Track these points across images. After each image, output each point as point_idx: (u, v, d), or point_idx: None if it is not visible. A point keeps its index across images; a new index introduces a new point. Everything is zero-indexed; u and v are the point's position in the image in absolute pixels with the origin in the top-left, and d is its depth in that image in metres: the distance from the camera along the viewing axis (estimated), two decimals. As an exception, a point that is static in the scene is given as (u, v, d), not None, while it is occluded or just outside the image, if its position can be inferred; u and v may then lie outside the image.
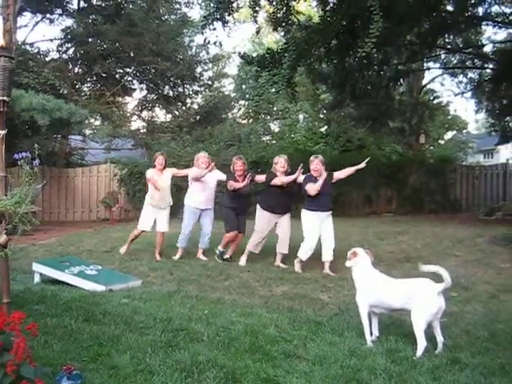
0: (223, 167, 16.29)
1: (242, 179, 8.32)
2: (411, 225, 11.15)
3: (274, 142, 23.24)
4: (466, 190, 18.74)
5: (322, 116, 25.63)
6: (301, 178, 7.80)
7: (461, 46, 21.66)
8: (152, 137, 19.99)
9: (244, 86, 29.65)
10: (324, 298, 5.92)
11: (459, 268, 7.29)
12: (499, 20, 20.23)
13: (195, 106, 23.91)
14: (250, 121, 27.43)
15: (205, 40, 19.63)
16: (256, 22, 14.64)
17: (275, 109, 28.30)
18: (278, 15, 14.38)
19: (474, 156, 37.48)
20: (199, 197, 8.61)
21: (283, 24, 14.44)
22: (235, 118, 27.77)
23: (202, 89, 24.58)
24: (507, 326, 4.77)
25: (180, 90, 23.05)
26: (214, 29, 13.18)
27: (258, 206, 8.22)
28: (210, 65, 26.29)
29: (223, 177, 8.72)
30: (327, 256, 7.53)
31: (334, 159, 17.29)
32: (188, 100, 24.02)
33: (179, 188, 10.74)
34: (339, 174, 7.88)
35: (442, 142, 34.17)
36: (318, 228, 7.57)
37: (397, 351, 3.97)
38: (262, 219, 8.12)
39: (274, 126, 29.78)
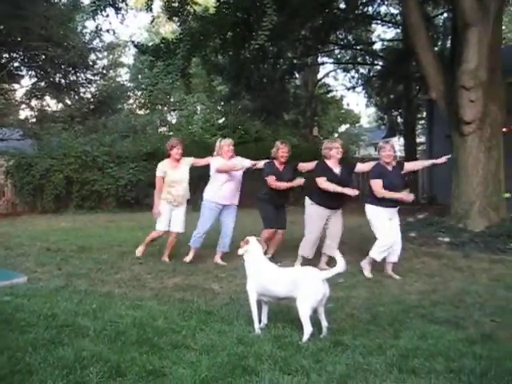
0: (117, 159, 16.12)
1: (283, 167, 7.45)
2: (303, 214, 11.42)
3: (171, 133, 23.01)
4: (357, 182, 19.54)
5: (219, 108, 25.68)
6: (369, 166, 6.97)
7: (352, 42, 22.56)
8: (42, 127, 19.08)
9: (140, 76, 29.04)
10: (216, 288, 5.94)
11: (346, 255, 7.57)
12: (387, 20, 21.30)
13: (88, 96, 23.11)
14: (147, 112, 26.94)
15: (97, 27, 18.95)
16: (151, 10, 14.26)
17: (172, 100, 27.98)
18: (174, 4, 14.17)
19: (366, 149, 39.28)
20: (223, 191, 7.39)
21: (179, 14, 14.25)
22: (131, 108, 27.16)
23: (96, 78, 23.80)
24: (387, 309, 5.03)
25: (72, 78, 22.16)
26: (107, 15, 12.78)
27: (307, 201, 7.13)
28: (105, 53, 25.52)
29: (248, 163, 7.57)
30: (393, 257, 6.76)
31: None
32: (81, 89, 23.17)
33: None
34: (412, 166, 7.16)
35: (335, 134, 35.45)
36: (389, 224, 6.70)
37: (283, 337, 4.07)
38: (315, 217, 7.04)
39: (172, 118, 29.46)
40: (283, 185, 7.28)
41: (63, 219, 13.40)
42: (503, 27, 26.43)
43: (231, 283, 6.15)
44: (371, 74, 24.24)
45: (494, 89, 9.53)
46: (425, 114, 21.71)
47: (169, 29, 32.06)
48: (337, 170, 6.97)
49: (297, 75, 22.41)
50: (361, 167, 7.25)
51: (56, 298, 5.27)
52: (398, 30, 22.28)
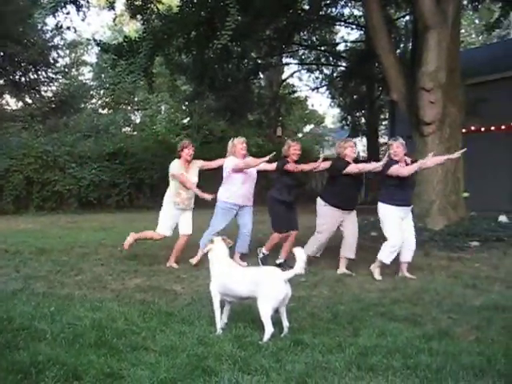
0: (79, 159, 15.87)
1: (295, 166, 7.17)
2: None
3: (135, 133, 22.80)
4: (322, 182, 19.67)
5: (184, 108, 25.52)
6: (377, 165, 6.80)
7: (316, 43, 22.72)
8: (1, 126, 18.63)
9: (103, 75, 28.65)
10: (177, 289, 5.88)
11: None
12: (351, 21, 21.54)
13: (49, 94, 22.68)
14: (110, 111, 26.60)
15: (57, 24, 18.57)
16: (113, 8, 14.18)
17: (136, 99, 27.69)
18: (137, 3, 14.04)
19: (330, 149, 39.58)
20: (240, 191, 7.16)
21: (142, 12, 14.11)
22: (94, 108, 26.77)
23: (58, 76, 23.38)
24: (348, 307, 5.07)
25: (32, 76, 21.72)
26: (68, 13, 12.61)
27: (319, 201, 6.95)
28: (67, 51, 25.11)
29: (265, 165, 7.31)
30: (407, 256, 6.65)
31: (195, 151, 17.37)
32: (42, 87, 22.73)
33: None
34: (425, 162, 6.91)
35: (300, 135, 35.63)
36: (400, 224, 6.53)
37: (244, 337, 4.06)
38: (329, 217, 6.83)
39: (135, 117, 29.16)
40: (301, 166, 7.09)
41: (23, 221, 13.13)
42: (462, 31, 27.09)
43: (193, 284, 6.11)
44: (335, 74, 24.46)
45: (453, 91, 9.75)
46: (387, 114, 22.02)
47: (133, 27, 31.68)
48: None
49: (261, 75, 22.47)
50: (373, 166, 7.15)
51: (13, 301, 5.14)
52: (362, 32, 22.56)
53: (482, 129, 13.91)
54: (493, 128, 14.09)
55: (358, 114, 23.90)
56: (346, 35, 44.86)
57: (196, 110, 21.66)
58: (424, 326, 4.47)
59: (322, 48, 23.42)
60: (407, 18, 20.28)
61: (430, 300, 5.40)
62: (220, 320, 4.34)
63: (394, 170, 6.43)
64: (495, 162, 13.30)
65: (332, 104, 27.54)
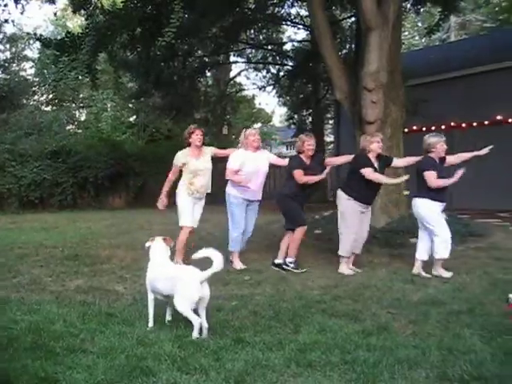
0: (20, 157, 15.39)
1: (311, 161, 6.93)
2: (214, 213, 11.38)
3: (80, 130, 22.26)
4: (274, 180, 19.64)
5: (130, 105, 25.10)
6: (408, 161, 6.99)
7: (263, 42, 22.80)
8: None
9: (46, 71, 27.82)
10: (119, 289, 5.80)
11: (253, 253, 7.68)
12: (297, 21, 21.71)
13: (-13, 90, 21.90)
14: (54, 108, 25.86)
15: (-5, 17, 17.97)
16: (54, 2, 13.84)
17: (81, 96, 27.03)
18: (79, -3, 13.71)
19: (277, 148, 39.91)
20: (251, 185, 6.88)
21: (84, 7, 13.79)
22: (36, 104, 25.97)
23: (-3, 71, 22.62)
24: (290, 304, 5.12)
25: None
26: (6, 5, 12.21)
27: (341, 195, 6.80)
28: (7, 45, 24.30)
29: (277, 160, 7.26)
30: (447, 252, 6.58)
31: (138, 149, 17.19)
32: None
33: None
34: (453, 160, 6.88)
35: (247, 133, 35.65)
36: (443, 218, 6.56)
37: (184, 336, 4.03)
38: (351, 212, 6.70)
39: (80, 115, 28.46)
40: (312, 178, 6.75)
41: (-41, 221, 12.63)
42: (406, 33, 27.80)
43: (136, 284, 6.02)
44: (281, 73, 24.60)
45: (394, 91, 9.97)
46: (333, 113, 22.33)
47: (77, 22, 30.93)
48: (375, 164, 6.75)
49: (208, 73, 22.37)
50: (398, 163, 7.20)
51: None
52: (308, 32, 22.74)
53: (424, 128, 14.29)
54: (433, 128, 14.49)
55: (304, 112, 24.14)
56: (293, 35, 45.32)
57: (142, 108, 21.37)
58: (363, 322, 4.56)
59: (269, 47, 23.53)
60: (352, 19, 20.60)
61: (371, 296, 5.52)
62: (152, 316, 4.38)
63: (432, 179, 6.46)
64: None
65: (279, 103, 27.71)
